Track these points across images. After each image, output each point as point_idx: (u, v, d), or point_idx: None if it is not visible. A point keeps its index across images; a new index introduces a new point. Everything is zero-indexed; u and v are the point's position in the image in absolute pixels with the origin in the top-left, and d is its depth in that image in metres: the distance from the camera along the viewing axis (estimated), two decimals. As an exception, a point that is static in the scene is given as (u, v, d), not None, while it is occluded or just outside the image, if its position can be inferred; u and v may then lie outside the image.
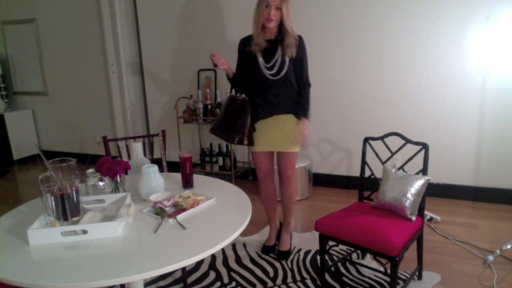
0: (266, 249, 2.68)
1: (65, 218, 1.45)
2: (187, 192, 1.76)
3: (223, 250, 2.70)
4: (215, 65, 2.32)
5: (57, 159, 1.50)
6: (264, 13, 2.29)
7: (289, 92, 2.41)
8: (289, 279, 2.37)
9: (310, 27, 3.58)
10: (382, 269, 2.37)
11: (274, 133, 2.44)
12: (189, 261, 1.24)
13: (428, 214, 3.05)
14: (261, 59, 2.36)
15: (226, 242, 1.35)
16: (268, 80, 2.37)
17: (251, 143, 2.43)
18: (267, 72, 2.36)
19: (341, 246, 2.69)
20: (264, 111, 2.41)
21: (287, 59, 2.34)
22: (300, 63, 2.39)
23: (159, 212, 1.55)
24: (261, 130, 2.45)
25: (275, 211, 2.72)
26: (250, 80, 2.42)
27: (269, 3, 2.27)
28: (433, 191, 3.44)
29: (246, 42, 2.45)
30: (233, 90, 2.48)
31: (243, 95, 2.41)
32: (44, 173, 1.51)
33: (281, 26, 2.34)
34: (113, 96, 4.55)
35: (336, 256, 2.60)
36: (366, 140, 2.36)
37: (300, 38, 2.39)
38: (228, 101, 2.43)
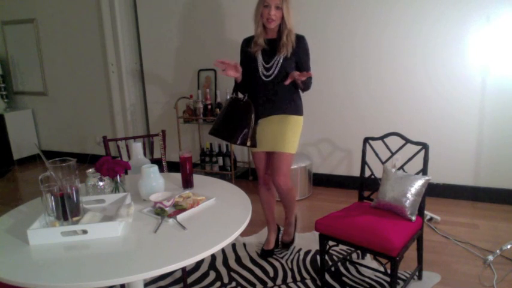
0: (265, 253, 2.64)
1: (65, 218, 1.45)
2: (187, 192, 1.76)
3: (223, 250, 2.70)
4: (228, 73, 2.26)
5: (57, 159, 1.50)
6: (264, 13, 2.26)
7: (289, 92, 2.38)
8: (289, 279, 2.37)
9: (309, 27, 3.57)
10: (382, 269, 2.36)
11: (273, 134, 2.42)
12: (189, 261, 1.24)
13: (428, 214, 3.05)
14: (260, 59, 2.35)
15: (226, 242, 1.35)
16: (266, 81, 2.35)
17: (254, 144, 2.39)
18: (265, 73, 2.34)
19: (341, 246, 2.69)
20: (265, 110, 2.39)
21: (282, 58, 2.31)
22: (301, 63, 2.37)
23: (159, 212, 1.55)
24: (262, 131, 2.43)
25: (273, 214, 2.69)
26: (250, 80, 2.40)
27: (268, 3, 2.23)
28: (433, 191, 3.44)
29: (248, 42, 2.43)
30: (234, 92, 2.45)
31: (246, 97, 2.37)
32: (44, 173, 1.51)
33: (281, 25, 2.30)
34: (113, 96, 4.55)
35: (336, 256, 2.60)
36: (366, 140, 2.36)
37: (302, 38, 2.37)
38: (229, 102, 2.40)
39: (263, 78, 2.35)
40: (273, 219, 2.69)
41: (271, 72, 2.33)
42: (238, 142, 2.30)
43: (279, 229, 2.77)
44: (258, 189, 2.64)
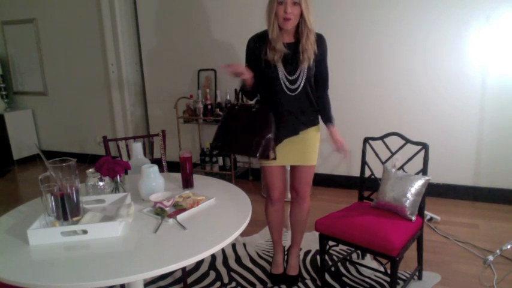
0: (275, 278, 2.34)
1: (65, 218, 1.45)
2: (187, 192, 1.76)
3: (223, 250, 2.70)
4: (238, 74, 1.89)
5: (57, 159, 1.50)
6: (279, 11, 1.88)
7: (312, 104, 2.10)
8: (289, 279, 2.37)
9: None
10: (382, 269, 2.36)
11: (293, 147, 2.12)
12: (189, 261, 1.24)
13: (428, 214, 3.05)
14: (281, 69, 1.99)
15: (226, 242, 1.35)
16: (291, 96, 2.03)
17: (275, 157, 2.01)
18: (288, 87, 2.01)
19: (341, 246, 2.69)
20: (289, 130, 2.07)
21: (305, 68, 1.98)
22: (322, 65, 2.07)
23: (159, 212, 1.55)
24: (281, 144, 2.10)
25: (282, 235, 2.44)
26: (269, 94, 2.07)
27: None
28: (433, 191, 3.44)
29: (258, 41, 2.02)
30: (239, 98, 2.17)
31: (257, 103, 2.06)
32: (44, 173, 1.51)
33: (300, 25, 1.94)
34: (113, 96, 4.55)
35: (336, 256, 2.60)
36: (366, 140, 2.36)
37: (323, 39, 2.06)
38: (237, 110, 2.04)
39: (288, 92, 2.01)
40: (281, 239, 2.43)
41: (296, 86, 2.01)
42: (259, 154, 1.91)
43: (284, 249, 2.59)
44: (266, 207, 2.32)
